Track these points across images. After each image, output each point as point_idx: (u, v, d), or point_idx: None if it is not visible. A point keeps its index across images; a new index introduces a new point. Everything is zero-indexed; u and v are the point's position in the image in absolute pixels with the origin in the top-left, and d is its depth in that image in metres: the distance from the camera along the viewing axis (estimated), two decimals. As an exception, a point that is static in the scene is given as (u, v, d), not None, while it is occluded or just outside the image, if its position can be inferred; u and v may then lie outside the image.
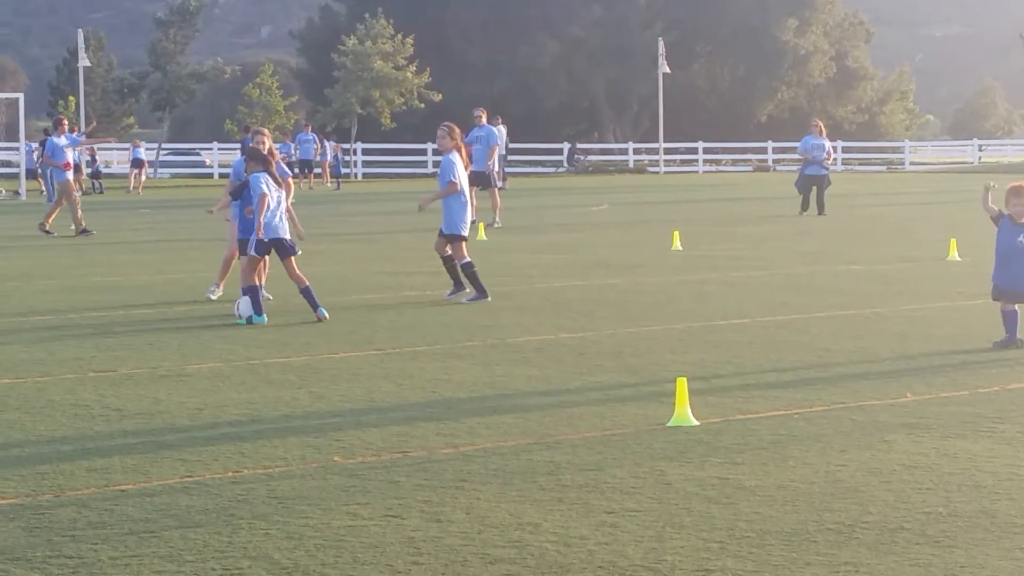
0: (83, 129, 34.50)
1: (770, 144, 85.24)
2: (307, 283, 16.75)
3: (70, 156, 32.97)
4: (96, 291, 20.25)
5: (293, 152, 61.00)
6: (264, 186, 16.58)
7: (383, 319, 16.84)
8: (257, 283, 16.71)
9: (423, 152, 79.79)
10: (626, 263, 23.78)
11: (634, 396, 11.81)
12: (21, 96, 58.95)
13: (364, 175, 77.40)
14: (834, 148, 50.40)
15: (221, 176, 70.65)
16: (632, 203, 46.12)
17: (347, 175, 72.10)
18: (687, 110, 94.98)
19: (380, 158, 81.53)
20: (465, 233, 18.60)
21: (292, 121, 76.48)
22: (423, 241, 18.78)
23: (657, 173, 77.50)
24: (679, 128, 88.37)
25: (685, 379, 10.71)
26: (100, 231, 32.25)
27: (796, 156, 52.43)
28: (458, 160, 18.60)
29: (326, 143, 66.14)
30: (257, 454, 9.71)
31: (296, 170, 56.81)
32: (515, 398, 11.78)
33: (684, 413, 10.57)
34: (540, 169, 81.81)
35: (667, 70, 79.10)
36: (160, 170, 76.38)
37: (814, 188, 37.39)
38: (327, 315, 16.56)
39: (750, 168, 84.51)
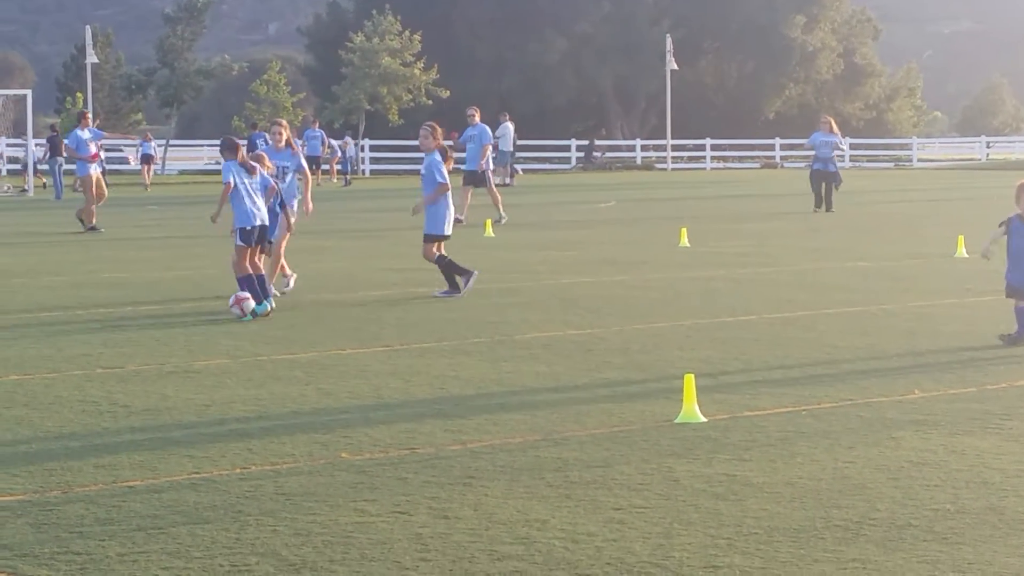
0: (77, 126, 34.37)
1: (778, 141, 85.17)
2: (262, 272, 17.02)
3: (93, 150, 33.09)
4: (103, 287, 20.27)
5: (301, 147, 60.90)
6: (232, 175, 16.67)
7: (390, 315, 16.85)
8: (251, 273, 16.72)
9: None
10: (633, 260, 23.78)
11: (641, 393, 11.81)
12: (29, 92, 58.93)
13: (372, 172, 77.40)
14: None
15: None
16: (639, 200, 46.11)
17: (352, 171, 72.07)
18: (695, 107, 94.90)
19: (388, 155, 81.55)
20: (448, 232, 18.70)
21: (299, 118, 76.38)
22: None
23: (665, 170, 77.45)
24: (687, 125, 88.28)
25: (693, 376, 10.71)
26: (108, 227, 32.25)
27: (804, 153, 52.37)
28: (441, 160, 18.69)
29: (344, 139, 66.02)
30: (264, 450, 9.72)
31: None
32: (523, 395, 11.78)
33: (692, 410, 10.56)
34: (548, 166, 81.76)
35: (675, 67, 79.07)
36: (168, 166, 76.39)
37: (823, 184, 37.30)
38: (270, 309, 16.61)
39: (758, 165, 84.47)
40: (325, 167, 64.48)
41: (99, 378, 12.67)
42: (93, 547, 7.50)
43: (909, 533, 7.64)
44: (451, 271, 18.62)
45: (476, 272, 18.74)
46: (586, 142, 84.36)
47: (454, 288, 18.54)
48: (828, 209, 36.69)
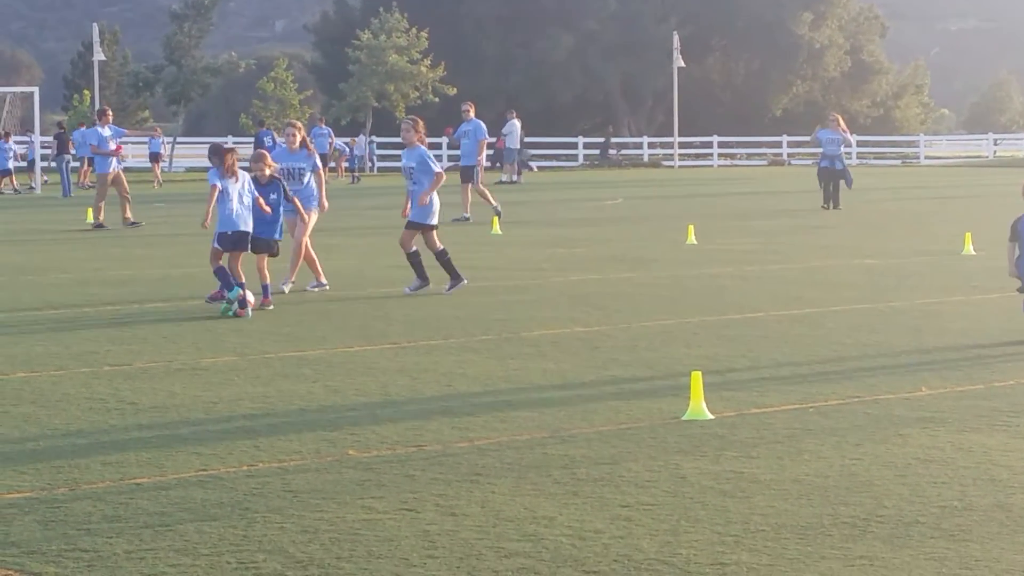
0: (97, 123, 34.27)
1: (785, 138, 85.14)
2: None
3: (113, 146, 33.10)
4: (111, 285, 20.28)
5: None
6: (218, 179, 16.75)
7: (398, 313, 16.85)
8: (224, 266, 16.69)
9: (438, 147, 79.68)
10: (641, 257, 23.77)
11: (649, 390, 11.81)
12: (36, 90, 58.96)
13: (379, 169, 77.40)
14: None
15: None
16: (647, 197, 46.09)
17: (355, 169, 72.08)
18: (702, 104, 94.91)
19: (395, 152, 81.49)
20: (435, 223, 18.69)
21: (307, 115, 76.40)
22: (438, 235, 18.80)
23: (672, 167, 77.42)
24: (694, 122, 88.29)
25: (700, 373, 10.71)
26: (114, 225, 32.26)
27: (811, 150, 52.29)
28: (428, 152, 18.84)
29: (359, 135, 66.04)
30: (272, 448, 9.72)
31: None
32: (530, 392, 11.78)
33: (699, 407, 10.56)
34: (556, 163, 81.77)
35: (682, 64, 79.08)
36: (175, 163, 76.41)
37: (831, 182, 37.25)
38: (242, 294, 16.58)
39: (765, 162, 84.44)
40: (332, 165, 64.50)
41: (106, 375, 12.68)
42: (100, 544, 7.51)
43: (916, 530, 7.63)
44: (413, 265, 18.64)
45: (465, 281, 18.75)
46: (600, 139, 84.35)
47: (423, 280, 18.58)
48: (835, 206, 36.67)
